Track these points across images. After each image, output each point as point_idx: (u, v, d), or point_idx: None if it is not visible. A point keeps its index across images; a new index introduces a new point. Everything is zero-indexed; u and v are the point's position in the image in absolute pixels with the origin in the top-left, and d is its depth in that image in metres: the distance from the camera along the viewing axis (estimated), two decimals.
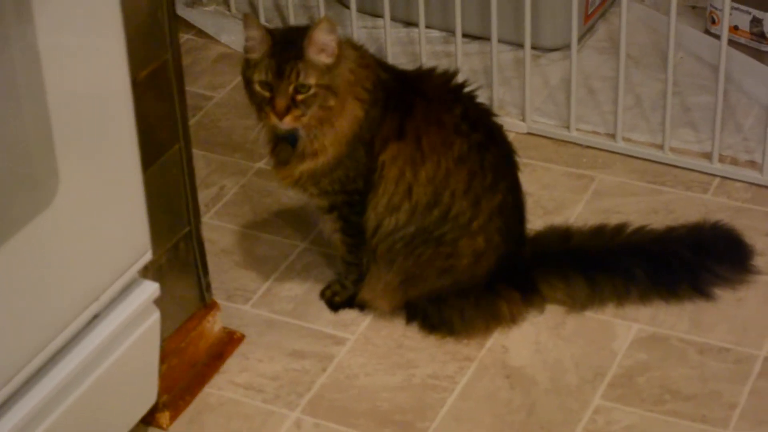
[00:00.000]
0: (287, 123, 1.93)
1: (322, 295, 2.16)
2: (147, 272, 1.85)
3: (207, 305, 2.06)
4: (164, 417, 1.97)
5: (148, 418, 1.96)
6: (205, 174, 2.42)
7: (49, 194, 1.62)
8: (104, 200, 1.71)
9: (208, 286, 2.06)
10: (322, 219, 2.09)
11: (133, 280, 1.81)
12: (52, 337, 1.68)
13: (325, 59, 1.92)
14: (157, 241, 1.85)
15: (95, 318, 1.76)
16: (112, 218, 1.74)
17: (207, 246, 2.05)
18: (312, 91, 1.91)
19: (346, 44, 1.98)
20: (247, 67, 1.95)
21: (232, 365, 2.06)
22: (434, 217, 2.00)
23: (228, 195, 2.39)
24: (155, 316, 1.84)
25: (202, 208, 2.05)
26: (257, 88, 1.93)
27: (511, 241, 2.05)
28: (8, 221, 1.57)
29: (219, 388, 2.03)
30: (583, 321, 2.11)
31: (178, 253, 1.99)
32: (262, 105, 1.93)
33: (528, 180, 2.28)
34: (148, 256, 1.81)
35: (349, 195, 2.01)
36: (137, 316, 1.81)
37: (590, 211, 2.32)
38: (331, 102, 1.93)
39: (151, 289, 1.83)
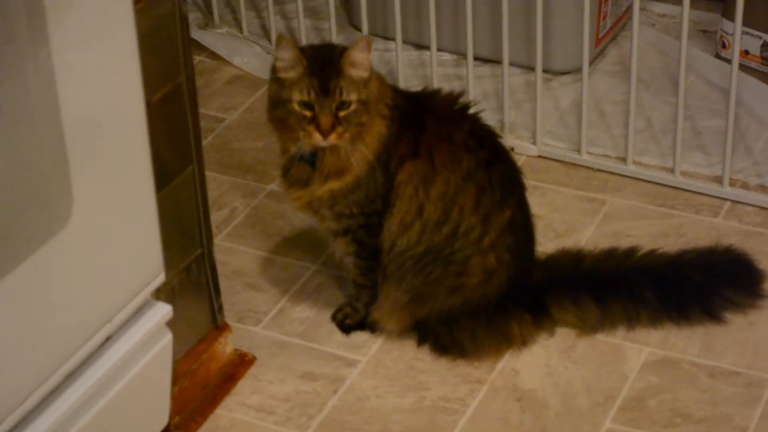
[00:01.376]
0: (332, 140, 1.93)
1: (334, 318, 2.17)
2: (159, 294, 1.86)
3: (219, 327, 2.07)
4: None
5: None
6: (216, 195, 2.43)
7: (63, 216, 1.62)
8: (118, 222, 1.72)
9: (220, 307, 2.07)
10: (334, 242, 2.09)
11: (146, 302, 1.81)
12: (65, 359, 1.68)
13: (361, 74, 1.94)
14: (170, 262, 1.86)
15: (108, 340, 1.76)
16: (126, 240, 1.74)
17: (219, 268, 2.06)
18: (353, 107, 1.93)
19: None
20: (281, 87, 1.94)
21: (243, 387, 2.06)
22: (444, 235, 2.00)
23: (239, 217, 2.40)
24: (168, 338, 1.85)
25: (213, 229, 2.06)
26: (296, 107, 1.93)
27: (521, 260, 2.06)
28: (23, 242, 1.58)
29: (230, 410, 2.03)
30: (594, 344, 2.11)
31: (190, 275, 1.99)
32: (302, 124, 1.93)
33: (539, 203, 2.29)
34: (161, 278, 1.81)
35: (367, 217, 2.02)
36: (150, 338, 1.81)
37: (601, 234, 2.33)
38: (365, 118, 1.95)
39: (163, 311, 1.83)
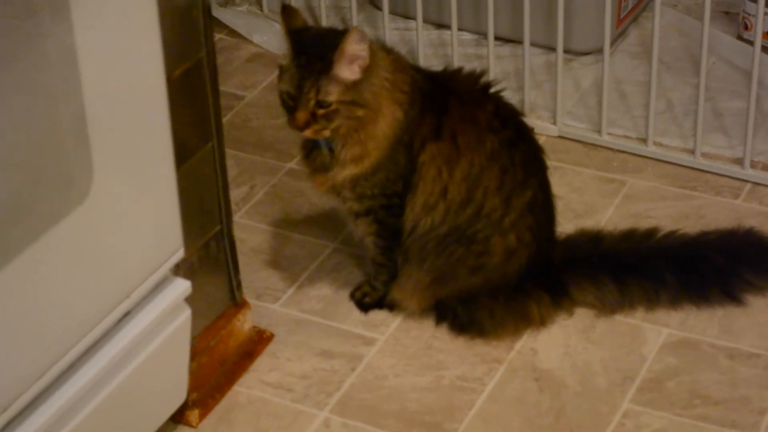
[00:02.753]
0: (307, 135, 1.93)
1: (352, 296, 2.17)
2: (178, 270, 1.86)
3: (237, 304, 2.07)
4: (193, 415, 1.98)
5: (178, 416, 1.96)
6: (235, 173, 2.43)
7: (83, 191, 1.62)
8: (138, 197, 1.72)
9: (239, 284, 2.07)
10: (354, 222, 2.08)
11: (165, 278, 1.81)
12: (83, 333, 1.69)
13: (352, 75, 1.89)
14: (189, 239, 1.86)
15: (127, 315, 1.77)
16: (145, 215, 1.74)
17: (237, 245, 2.06)
18: (333, 107, 1.90)
19: (379, 50, 1.96)
20: (279, 71, 1.95)
21: (261, 364, 2.06)
22: (467, 215, 2.00)
23: (258, 195, 2.40)
24: (186, 313, 1.85)
25: (232, 207, 2.06)
26: (283, 96, 1.93)
27: (541, 240, 2.05)
28: (42, 216, 1.58)
29: (248, 387, 2.03)
30: (613, 325, 2.10)
31: (209, 252, 1.99)
32: (287, 111, 1.93)
33: (558, 183, 2.28)
34: (180, 254, 1.81)
35: (388, 198, 2.01)
36: (169, 313, 1.82)
37: (620, 215, 2.32)
38: (359, 113, 1.92)
39: (183, 286, 1.83)
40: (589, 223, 2.29)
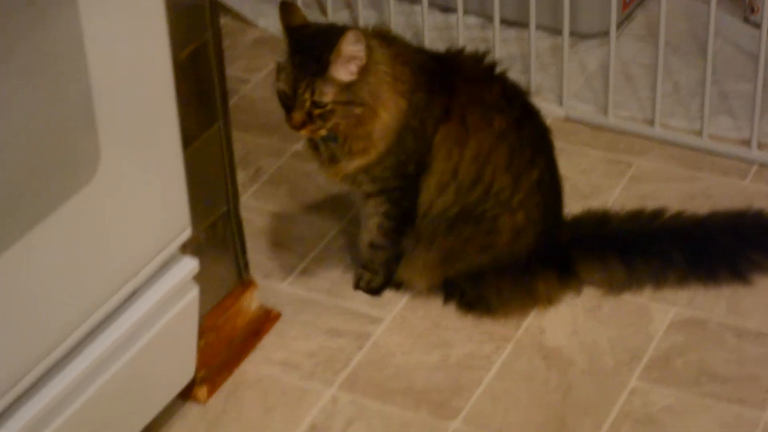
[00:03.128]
0: (304, 134, 1.93)
1: (357, 286, 2.16)
2: (186, 250, 1.86)
3: (244, 283, 2.07)
4: (202, 392, 1.98)
5: (186, 393, 1.97)
6: (241, 155, 2.43)
7: (90, 171, 1.62)
8: (145, 177, 1.72)
9: (246, 264, 2.07)
10: (365, 203, 2.07)
11: (173, 257, 1.82)
12: (91, 311, 1.69)
13: (349, 75, 1.88)
14: (196, 219, 1.86)
15: (135, 293, 1.77)
16: (153, 195, 1.75)
17: (244, 226, 2.06)
18: (329, 107, 1.89)
19: (378, 46, 1.94)
20: (276, 68, 1.93)
21: (268, 342, 2.07)
22: (477, 195, 2.00)
23: (265, 176, 2.40)
24: (194, 291, 1.85)
25: (239, 189, 2.06)
26: (280, 95, 1.92)
27: (549, 218, 2.05)
28: (49, 197, 1.58)
29: (256, 365, 2.03)
30: (620, 304, 2.10)
31: (216, 232, 2.00)
32: (285, 111, 1.92)
33: (565, 165, 2.27)
34: (187, 233, 1.81)
35: (402, 179, 2.00)
36: (177, 291, 1.82)
37: (627, 196, 2.32)
38: (356, 111, 1.91)
39: (190, 265, 1.83)
40: (596, 203, 2.29)
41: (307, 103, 1.89)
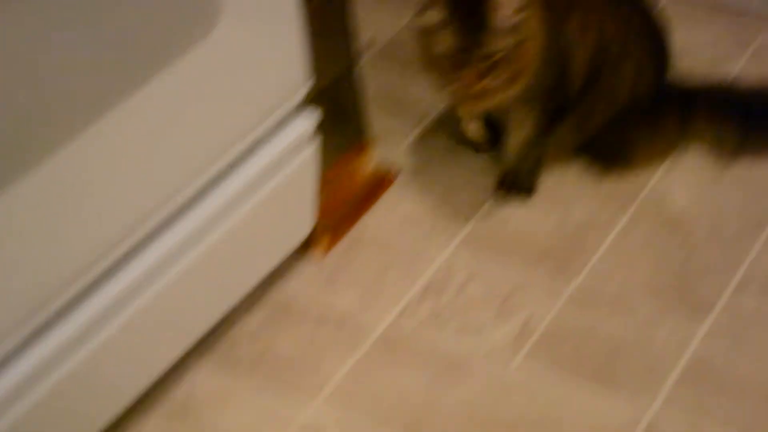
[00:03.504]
0: (476, 90, 1.83)
1: (501, 185, 2.06)
2: (307, 104, 1.85)
3: (363, 142, 2.06)
4: (320, 247, 1.98)
5: (303, 248, 1.97)
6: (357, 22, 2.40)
7: (211, 20, 1.61)
8: (265, 28, 1.71)
9: (365, 124, 2.05)
10: (514, 109, 1.98)
11: (294, 109, 1.81)
12: (213, 161, 1.69)
13: (511, 19, 1.80)
14: (317, 75, 1.84)
15: (259, 143, 1.77)
16: (274, 46, 1.73)
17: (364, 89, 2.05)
18: (500, 55, 1.81)
19: None
20: (427, 28, 1.84)
21: (386, 201, 2.06)
22: (601, 56, 1.97)
23: (380, 44, 2.38)
24: (314, 144, 1.84)
25: None
26: (440, 56, 1.83)
27: (662, 66, 2.03)
28: (173, 45, 1.58)
29: (373, 222, 2.03)
30: (745, 170, 2.06)
31: (338, 90, 1.98)
32: (446, 71, 1.84)
33: (683, 37, 2.23)
34: (308, 85, 1.80)
35: (550, 90, 1.94)
36: (298, 143, 1.81)
37: (750, 73, 2.26)
38: (520, 48, 1.82)
39: (312, 116, 1.83)
40: (717, 75, 2.24)
41: (477, 60, 1.80)
